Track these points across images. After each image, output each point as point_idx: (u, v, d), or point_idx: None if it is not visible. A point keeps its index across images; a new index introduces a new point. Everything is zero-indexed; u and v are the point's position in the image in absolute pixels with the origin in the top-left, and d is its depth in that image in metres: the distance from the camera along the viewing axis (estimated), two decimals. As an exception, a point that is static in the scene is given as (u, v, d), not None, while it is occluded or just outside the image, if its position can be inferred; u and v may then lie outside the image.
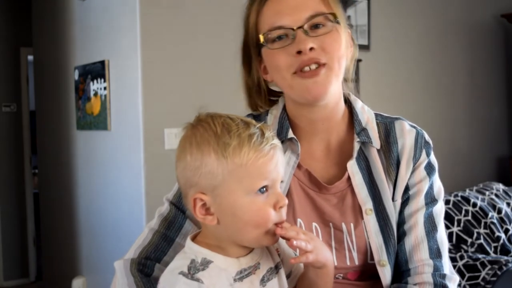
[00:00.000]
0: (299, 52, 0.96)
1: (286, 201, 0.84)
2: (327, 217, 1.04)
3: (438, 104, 3.90)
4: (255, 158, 0.80)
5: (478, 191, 3.08)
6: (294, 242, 0.82)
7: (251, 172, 0.80)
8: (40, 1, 3.74)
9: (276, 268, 0.89)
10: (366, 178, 1.03)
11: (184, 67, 2.82)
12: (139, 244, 1.03)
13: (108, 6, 2.97)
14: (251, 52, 1.07)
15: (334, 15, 0.99)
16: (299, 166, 1.06)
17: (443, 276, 0.99)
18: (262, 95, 1.13)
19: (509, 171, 4.22)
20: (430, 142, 1.08)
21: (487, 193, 3.08)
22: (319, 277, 0.89)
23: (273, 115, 1.11)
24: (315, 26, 0.98)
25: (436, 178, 1.07)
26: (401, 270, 1.02)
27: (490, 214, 2.88)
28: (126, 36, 2.80)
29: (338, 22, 0.99)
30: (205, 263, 0.81)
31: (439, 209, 1.05)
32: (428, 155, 1.06)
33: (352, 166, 1.03)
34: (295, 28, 0.97)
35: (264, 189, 0.82)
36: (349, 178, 1.04)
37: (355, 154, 1.04)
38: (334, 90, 1.01)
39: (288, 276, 0.92)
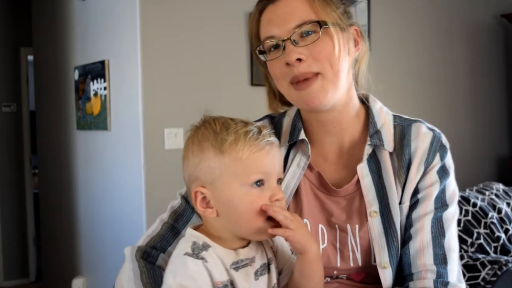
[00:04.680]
0: (287, 64, 0.98)
1: (282, 195, 0.88)
2: (334, 219, 1.05)
3: (438, 104, 3.90)
4: (250, 152, 0.85)
5: (478, 191, 3.08)
6: (270, 211, 0.84)
7: (246, 165, 0.85)
8: (40, 1, 3.74)
9: (268, 264, 0.92)
10: (375, 181, 1.03)
11: (184, 67, 2.83)
12: (149, 234, 1.08)
13: (108, 6, 2.97)
14: (259, 59, 1.08)
15: (321, 22, 0.98)
16: (311, 168, 1.07)
17: (446, 283, 0.97)
18: (276, 98, 1.15)
19: (509, 171, 4.22)
20: (447, 145, 1.06)
21: (487, 193, 3.07)
22: (302, 265, 0.89)
23: (289, 117, 1.12)
24: (307, 33, 0.98)
25: (449, 182, 1.04)
26: (404, 274, 1.01)
27: (490, 214, 2.87)
28: (126, 36, 2.80)
29: (327, 28, 0.98)
30: (206, 246, 0.86)
31: (450, 214, 1.02)
32: (442, 158, 1.04)
33: (363, 169, 1.03)
34: (283, 39, 0.98)
35: (260, 182, 0.86)
36: (358, 181, 1.04)
37: (364, 157, 1.03)
38: (335, 96, 1.01)
39: (280, 274, 0.95)
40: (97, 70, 3.02)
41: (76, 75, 3.25)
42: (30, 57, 4.39)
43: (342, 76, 1.01)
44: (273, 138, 0.89)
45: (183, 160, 0.91)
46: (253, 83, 3.01)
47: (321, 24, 0.98)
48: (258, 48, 1.04)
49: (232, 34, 2.98)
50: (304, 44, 0.98)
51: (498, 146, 4.32)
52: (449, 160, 1.05)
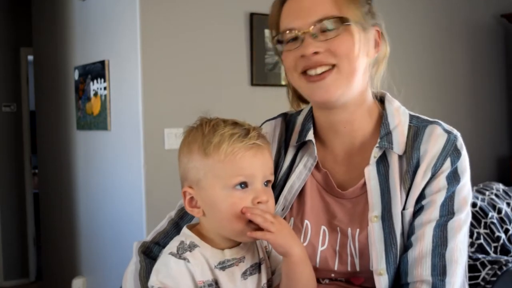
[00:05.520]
0: (303, 56, 0.97)
1: (267, 197, 0.88)
2: (336, 221, 1.03)
3: (438, 104, 3.90)
4: (232, 154, 0.86)
5: (478, 191, 3.08)
6: (248, 214, 0.85)
7: (228, 168, 0.86)
8: (40, 1, 3.74)
9: (259, 264, 0.92)
10: (382, 184, 0.99)
11: (184, 67, 2.82)
12: (156, 229, 1.12)
13: (108, 6, 2.97)
14: (275, 49, 1.08)
15: (342, 18, 0.96)
16: (319, 169, 1.06)
17: None
18: (291, 93, 1.15)
19: (509, 171, 4.22)
20: (462, 149, 1.01)
21: (487, 193, 3.07)
22: (288, 268, 0.89)
23: (303, 116, 1.12)
24: (327, 29, 0.97)
25: (460, 189, 0.98)
26: (400, 283, 0.97)
27: (490, 214, 2.87)
28: (126, 36, 2.80)
29: (349, 25, 0.97)
30: (192, 246, 0.88)
31: (458, 223, 0.96)
32: (453, 163, 0.98)
33: (370, 172, 1.00)
34: (303, 32, 0.97)
35: (243, 185, 0.87)
36: (365, 183, 1.01)
37: (371, 159, 1.01)
38: (347, 93, 0.99)
39: (273, 273, 0.95)
40: (97, 70, 3.02)
41: (76, 75, 3.25)
42: (30, 57, 4.39)
43: (357, 75, 0.99)
44: (261, 140, 0.88)
45: (178, 160, 0.94)
46: (253, 83, 3.01)
47: (343, 20, 0.96)
48: (276, 38, 1.03)
49: (232, 34, 2.98)
50: (323, 39, 0.96)
51: (498, 146, 4.32)
52: (462, 165, 1.00)
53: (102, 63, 2.97)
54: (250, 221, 0.86)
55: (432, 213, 0.96)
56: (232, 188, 0.86)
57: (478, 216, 2.84)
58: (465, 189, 1.00)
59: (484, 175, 4.12)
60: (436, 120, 1.05)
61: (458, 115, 4.05)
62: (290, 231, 0.89)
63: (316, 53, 0.96)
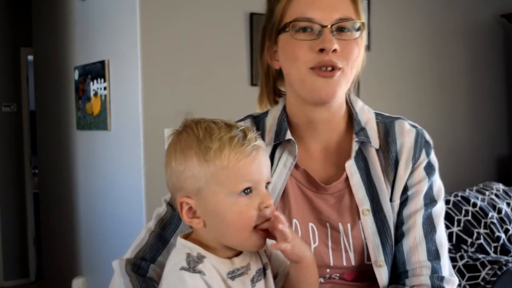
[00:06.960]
0: (321, 50, 0.96)
1: (271, 201, 0.84)
2: (324, 217, 1.04)
3: (438, 104, 3.90)
4: (235, 160, 0.81)
5: (478, 191, 3.08)
6: (280, 226, 0.82)
7: (232, 174, 0.81)
8: (40, 1, 3.74)
9: (264, 269, 0.90)
10: (364, 178, 1.03)
11: (184, 67, 2.83)
12: (137, 245, 1.05)
13: (108, 6, 2.97)
14: (268, 34, 1.05)
15: (362, 24, 1.00)
16: (297, 167, 1.06)
17: (441, 278, 0.98)
18: (270, 84, 1.13)
19: (509, 171, 4.22)
20: (431, 141, 1.07)
21: (487, 193, 3.07)
22: (298, 272, 0.89)
23: (272, 116, 1.10)
24: (341, 29, 0.98)
25: (436, 178, 1.05)
26: (398, 272, 1.01)
27: (490, 214, 2.87)
28: (126, 36, 2.80)
29: (362, 32, 1.00)
30: (201, 257, 0.83)
31: (439, 210, 1.04)
32: (427, 155, 1.05)
33: (351, 166, 1.03)
34: (324, 25, 0.96)
35: (248, 190, 0.82)
36: (347, 178, 1.03)
37: (353, 154, 1.03)
38: (342, 95, 1.03)
39: (275, 277, 0.93)
40: (97, 70, 3.02)
41: (76, 75, 3.25)
42: (30, 57, 4.39)
43: (352, 78, 1.03)
44: (259, 142, 0.85)
45: (166, 167, 0.87)
46: (253, 83, 3.01)
47: (361, 26, 0.99)
48: (284, 24, 1.00)
49: (232, 34, 2.98)
50: (339, 37, 0.97)
51: (498, 146, 4.32)
52: (433, 157, 1.07)
53: (102, 63, 2.97)
54: (255, 228, 0.83)
55: (418, 203, 1.02)
56: (237, 195, 0.82)
57: (478, 216, 2.84)
58: (438, 179, 1.07)
59: (484, 175, 4.12)
60: (399, 116, 1.10)
61: (458, 115, 4.06)
62: (301, 240, 0.89)
63: (334, 50, 0.96)
